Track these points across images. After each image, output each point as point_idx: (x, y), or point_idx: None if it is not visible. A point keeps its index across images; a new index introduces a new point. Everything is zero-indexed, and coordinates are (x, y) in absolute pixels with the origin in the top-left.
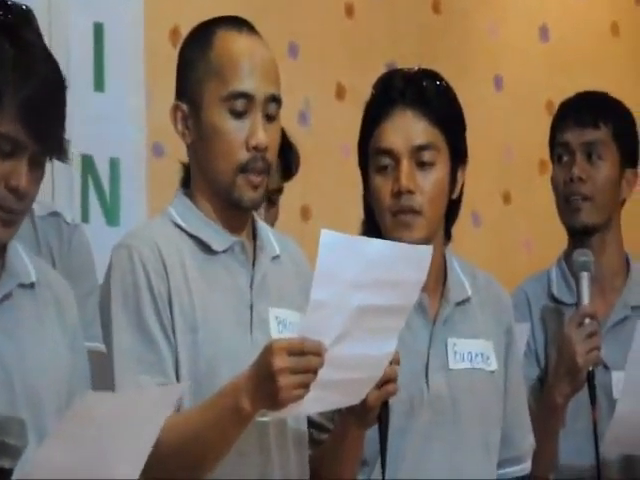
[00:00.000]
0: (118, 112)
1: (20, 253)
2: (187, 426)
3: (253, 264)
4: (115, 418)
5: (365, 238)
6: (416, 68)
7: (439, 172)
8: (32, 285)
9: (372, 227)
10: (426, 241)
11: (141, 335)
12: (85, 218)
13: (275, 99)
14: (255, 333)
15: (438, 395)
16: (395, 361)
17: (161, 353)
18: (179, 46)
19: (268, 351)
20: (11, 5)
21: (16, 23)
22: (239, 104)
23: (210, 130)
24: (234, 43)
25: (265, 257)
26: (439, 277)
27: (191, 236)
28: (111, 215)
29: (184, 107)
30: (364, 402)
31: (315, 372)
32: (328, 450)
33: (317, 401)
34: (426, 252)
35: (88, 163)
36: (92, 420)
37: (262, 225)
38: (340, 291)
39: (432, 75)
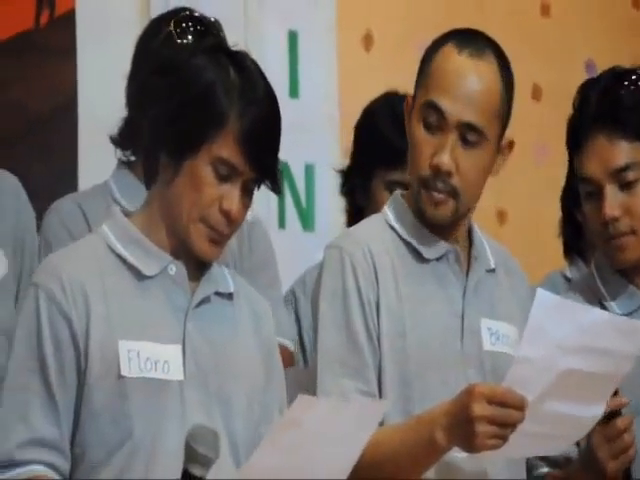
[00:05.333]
0: (312, 118)
1: (222, 266)
2: (387, 445)
3: (467, 274)
4: (323, 426)
5: (582, 305)
6: (614, 72)
7: None
8: (230, 296)
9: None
10: None
11: (346, 338)
12: (282, 224)
13: (473, 128)
14: (466, 342)
15: None
16: (629, 426)
17: (365, 358)
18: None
19: (468, 394)
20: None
21: (236, 51)
22: (432, 117)
23: (409, 135)
24: (450, 59)
25: (479, 267)
26: None
27: (404, 241)
28: (306, 220)
29: (410, 102)
30: (604, 473)
31: (514, 426)
32: None
33: (516, 447)
34: None
35: (284, 169)
36: (301, 425)
37: (479, 236)
38: (548, 351)
39: (629, 81)
